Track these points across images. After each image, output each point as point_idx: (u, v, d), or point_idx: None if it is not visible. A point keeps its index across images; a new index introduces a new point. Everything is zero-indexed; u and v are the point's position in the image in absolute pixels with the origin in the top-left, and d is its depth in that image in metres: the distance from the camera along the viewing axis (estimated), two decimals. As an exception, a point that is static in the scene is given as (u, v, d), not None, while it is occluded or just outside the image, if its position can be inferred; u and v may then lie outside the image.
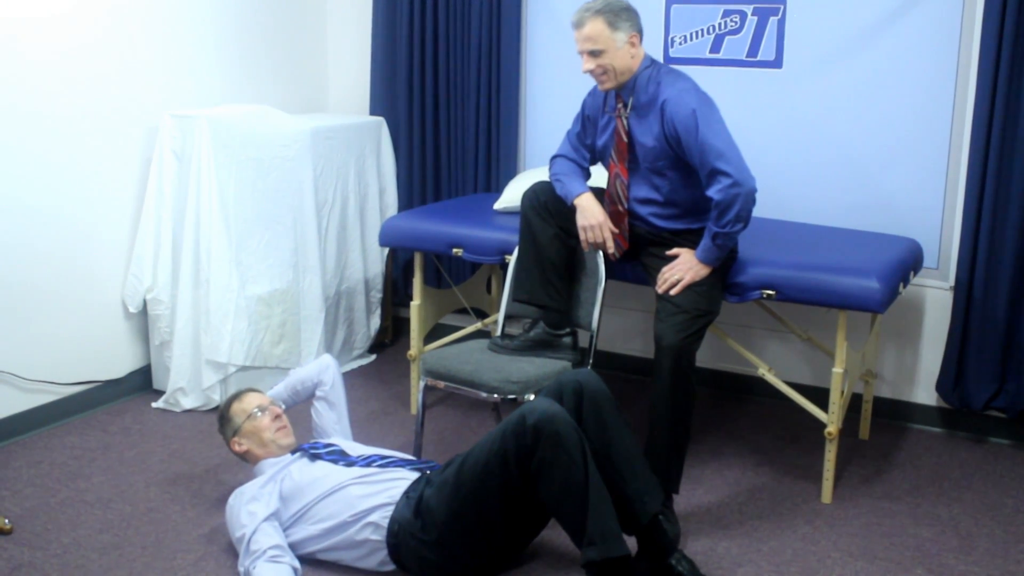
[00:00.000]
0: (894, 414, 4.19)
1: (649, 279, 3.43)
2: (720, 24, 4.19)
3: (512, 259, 3.66)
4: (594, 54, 3.26)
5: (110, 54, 4.02)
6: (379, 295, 4.91)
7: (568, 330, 3.50)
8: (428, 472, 3.00)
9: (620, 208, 3.44)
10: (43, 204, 3.85)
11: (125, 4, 4.06)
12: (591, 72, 3.31)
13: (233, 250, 4.09)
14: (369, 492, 2.93)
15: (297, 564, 2.89)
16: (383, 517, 2.89)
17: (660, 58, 4.21)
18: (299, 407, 3.52)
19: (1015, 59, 3.64)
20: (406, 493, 2.91)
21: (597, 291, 3.52)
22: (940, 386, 4.02)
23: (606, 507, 2.73)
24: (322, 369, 3.47)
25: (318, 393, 3.44)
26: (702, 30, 4.22)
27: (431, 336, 4.33)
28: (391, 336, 5.11)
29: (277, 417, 3.19)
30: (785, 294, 3.40)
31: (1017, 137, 3.69)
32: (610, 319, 4.22)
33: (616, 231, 3.43)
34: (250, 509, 2.92)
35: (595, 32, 3.24)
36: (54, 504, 3.35)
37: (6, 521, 3.16)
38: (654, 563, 2.87)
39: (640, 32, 3.30)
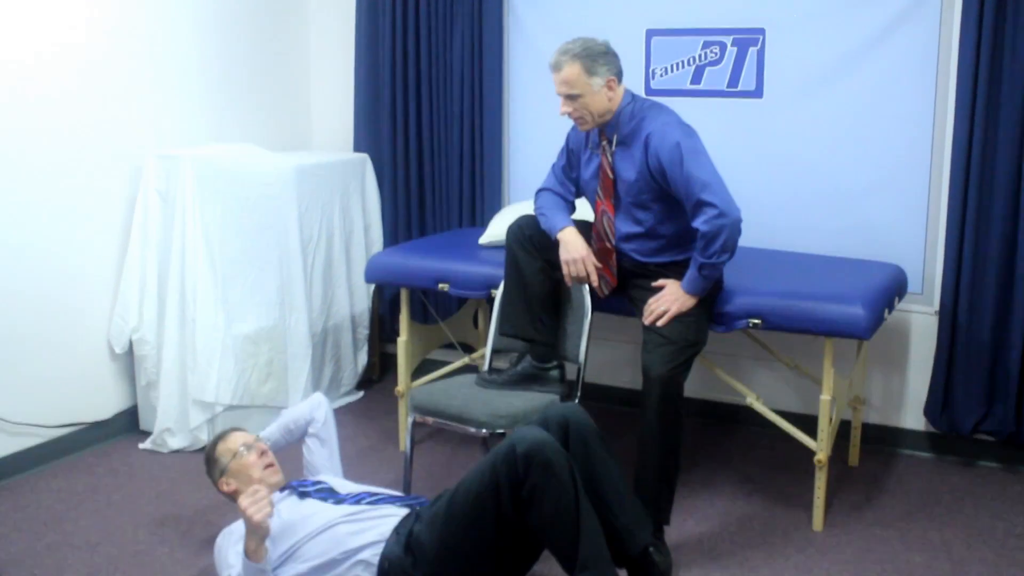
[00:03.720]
0: (883, 440, 4.20)
1: (635, 311, 3.43)
2: (700, 55, 4.22)
3: (498, 293, 3.67)
4: (571, 97, 3.28)
5: (94, 95, 4.03)
6: (366, 332, 4.90)
7: (555, 363, 3.50)
8: (417, 508, 2.98)
9: (608, 244, 3.45)
10: (27, 244, 3.85)
11: (109, 46, 4.07)
12: (568, 115, 3.33)
13: (219, 289, 4.08)
14: (359, 530, 2.91)
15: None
16: (373, 555, 2.87)
17: (641, 90, 4.24)
18: (290, 447, 3.50)
19: (992, 84, 3.69)
20: (396, 530, 2.90)
21: (584, 324, 3.52)
22: (928, 411, 4.02)
23: (597, 532, 2.72)
24: (314, 407, 3.46)
25: (310, 430, 3.43)
26: (683, 61, 4.26)
27: (419, 372, 4.32)
28: (379, 372, 5.09)
29: (263, 454, 3.17)
30: (771, 323, 3.41)
31: (997, 160, 3.72)
32: (597, 351, 4.21)
33: (601, 266, 3.44)
34: (238, 549, 2.89)
35: (571, 76, 3.25)
36: (40, 548, 3.32)
37: (-8, 567, 3.14)
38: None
39: (619, 75, 3.32)
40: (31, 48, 3.78)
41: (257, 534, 2.76)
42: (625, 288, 3.50)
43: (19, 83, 3.76)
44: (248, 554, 2.76)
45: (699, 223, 3.20)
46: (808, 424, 3.63)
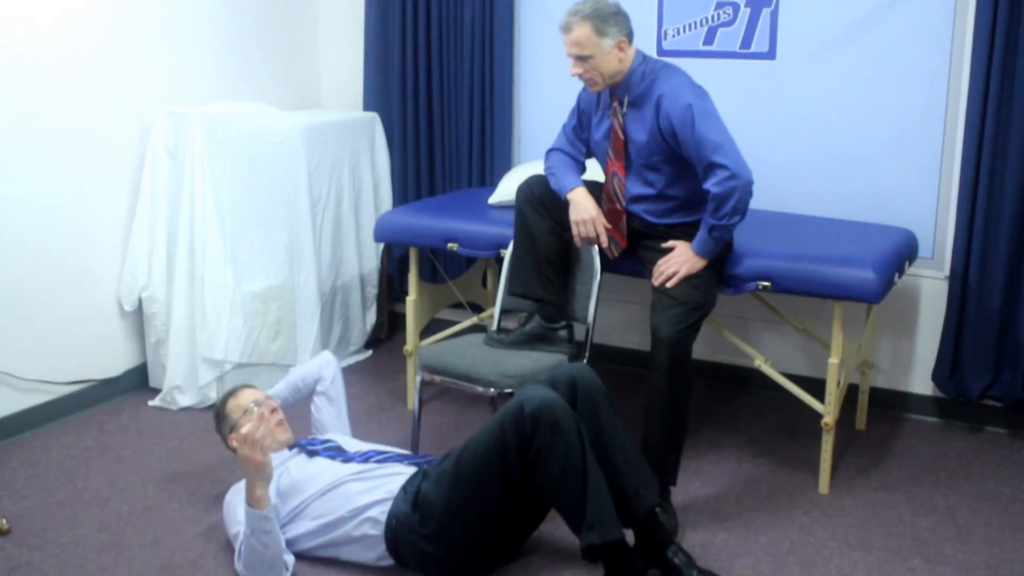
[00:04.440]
0: (890, 404, 4.20)
1: (645, 272, 3.43)
2: (713, 16, 4.18)
3: (507, 253, 3.66)
4: (581, 59, 3.26)
5: (103, 53, 4.01)
6: (375, 291, 4.91)
7: (564, 323, 3.50)
8: (425, 466, 3.00)
9: (618, 206, 3.43)
10: (37, 203, 3.85)
11: (119, 4, 4.05)
12: (579, 76, 3.31)
13: (228, 247, 4.08)
14: (367, 488, 2.93)
15: (291, 559, 2.90)
16: (381, 512, 2.89)
17: (653, 51, 4.21)
18: (298, 404, 3.52)
19: (1008, 48, 3.65)
20: (404, 488, 2.92)
21: (593, 284, 3.52)
22: (936, 376, 4.02)
23: (604, 492, 2.74)
24: (322, 365, 3.47)
25: (318, 388, 3.44)
26: (695, 22, 4.22)
27: (427, 331, 4.33)
28: (387, 332, 5.10)
29: (273, 411, 3.18)
30: (780, 285, 3.40)
31: (1011, 125, 3.69)
32: (606, 312, 4.22)
33: (611, 227, 3.43)
34: (247, 505, 2.92)
35: (582, 37, 3.22)
36: (52, 504, 3.35)
37: (4, 521, 3.16)
38: (651, 556, 2.87)
39: (630, 35, 3.28)
40: (40, 6, 3.76)
41: (260, 477, 2.77)
42: (635, 249, 3.49)
43: (28, 41, 3.74)
44: (252, 503, 2.78)
45: (710, 185, 3.18)
46: (816, 387, 3.64)
